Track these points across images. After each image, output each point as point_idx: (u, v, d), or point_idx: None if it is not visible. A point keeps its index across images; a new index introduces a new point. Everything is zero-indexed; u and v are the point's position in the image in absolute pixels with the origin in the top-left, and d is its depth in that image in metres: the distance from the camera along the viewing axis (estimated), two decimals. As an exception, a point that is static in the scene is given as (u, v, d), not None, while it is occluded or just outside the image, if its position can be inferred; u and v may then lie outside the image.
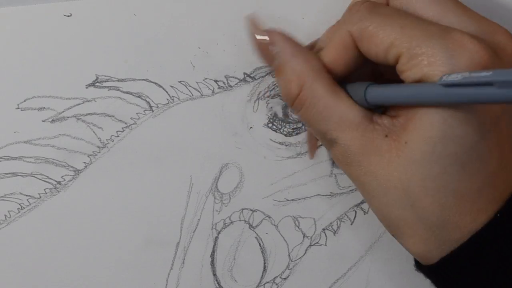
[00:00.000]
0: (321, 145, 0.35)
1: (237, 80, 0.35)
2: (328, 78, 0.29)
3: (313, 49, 0.32)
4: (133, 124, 0.35)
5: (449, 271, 0.28)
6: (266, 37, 0.30)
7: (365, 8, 0.29)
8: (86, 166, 0.35)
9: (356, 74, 0.30)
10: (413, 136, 0.26)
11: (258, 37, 0.30)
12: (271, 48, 0.30)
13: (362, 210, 0.35)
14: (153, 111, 0.35)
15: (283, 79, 0.30)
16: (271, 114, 0.35)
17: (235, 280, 0.36)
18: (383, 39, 0.27)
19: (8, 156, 0.34)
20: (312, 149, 0.34)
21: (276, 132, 0.35)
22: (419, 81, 0.26)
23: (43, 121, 0.34)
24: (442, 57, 0.25)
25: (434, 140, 0.26)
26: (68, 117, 0.34)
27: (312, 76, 0.29)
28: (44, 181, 0.35)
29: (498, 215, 0.27)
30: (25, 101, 0.34)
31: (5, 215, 0.35)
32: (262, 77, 0.35)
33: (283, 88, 0.30)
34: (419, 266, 0.30)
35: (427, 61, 0.26)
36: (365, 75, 0.31)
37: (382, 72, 0.32)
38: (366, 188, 0.29)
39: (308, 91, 0.29)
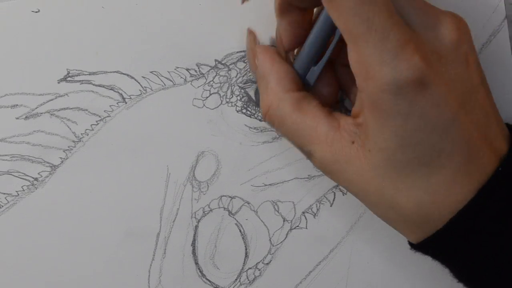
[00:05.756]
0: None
1: (209, 68, 0.35)
2: (295, 96, 0.30)
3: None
4: (107, 116, 0.35)
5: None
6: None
7: None
8: (62, 161, 0.35)
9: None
10: (374, 144, 0.27)
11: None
12: (256, 61, 0.32)
13: (341, 191, 0.35)
14: (126, 103, 0.35)
15: (260, 92, 0.32)
16: (244, 100, 0.35)
17: (218, 268, 0.35)
18: None
19: (-17, 155, 0.34)
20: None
21: (251, 117, 0.35)
22: None
23: (17, 118, 0.34)
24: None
25: (393, 151, 0.27)
26: (42, 113, 0.34)
27: (280, 97, 0.30)
28: (21, 178, 0.35)
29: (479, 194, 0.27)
30: (-2, 99, 0.34)
31: (-17, 214, 0.35)
32: (234, 63, 0.35)
33: (260, 101, 0.32)
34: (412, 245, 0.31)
35: None
36: None
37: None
38: (351, 192, 0.30)
39: (275, 111, 0.30)
